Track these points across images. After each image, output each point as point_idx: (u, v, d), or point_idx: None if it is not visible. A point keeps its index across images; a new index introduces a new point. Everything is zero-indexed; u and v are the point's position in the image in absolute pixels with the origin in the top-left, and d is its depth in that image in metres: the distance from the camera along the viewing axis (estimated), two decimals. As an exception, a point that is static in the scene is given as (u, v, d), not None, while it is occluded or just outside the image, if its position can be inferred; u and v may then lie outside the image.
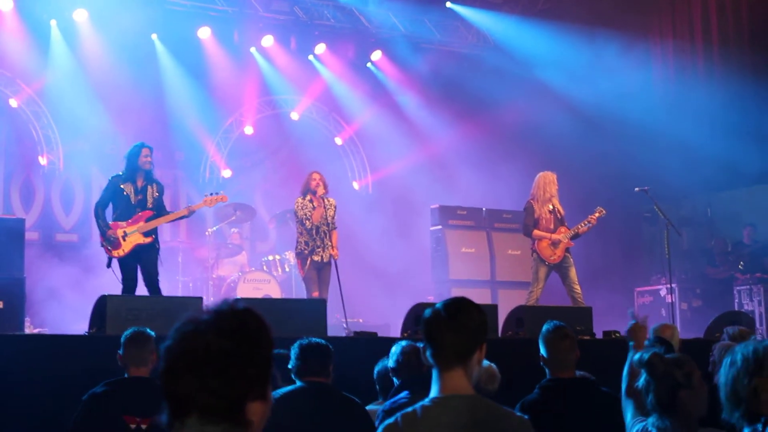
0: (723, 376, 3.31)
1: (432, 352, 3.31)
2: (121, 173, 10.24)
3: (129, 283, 10.06)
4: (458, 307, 3.36)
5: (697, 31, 16.33)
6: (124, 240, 9.98)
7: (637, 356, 4.32)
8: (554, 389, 5.25)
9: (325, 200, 11.72)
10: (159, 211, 10.26)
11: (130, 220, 10.06)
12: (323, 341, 5.54)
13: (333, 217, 11.71)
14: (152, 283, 10.10)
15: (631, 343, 5.22)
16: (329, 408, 5.29)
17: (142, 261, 10.13)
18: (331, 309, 10.11)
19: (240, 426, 2.18)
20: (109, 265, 10.09)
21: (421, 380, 5.73)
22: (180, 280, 13.93)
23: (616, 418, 5.32)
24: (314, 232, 11.59)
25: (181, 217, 10.70)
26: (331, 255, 11.57)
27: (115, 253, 10.01)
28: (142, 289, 10.22)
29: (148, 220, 10.13)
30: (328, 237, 11.62)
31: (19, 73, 14.81)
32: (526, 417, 3.42)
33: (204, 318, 2.18)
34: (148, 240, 10.11)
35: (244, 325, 2.20)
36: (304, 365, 5.40)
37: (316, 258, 11.51)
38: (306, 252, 11.56)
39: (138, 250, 10.07)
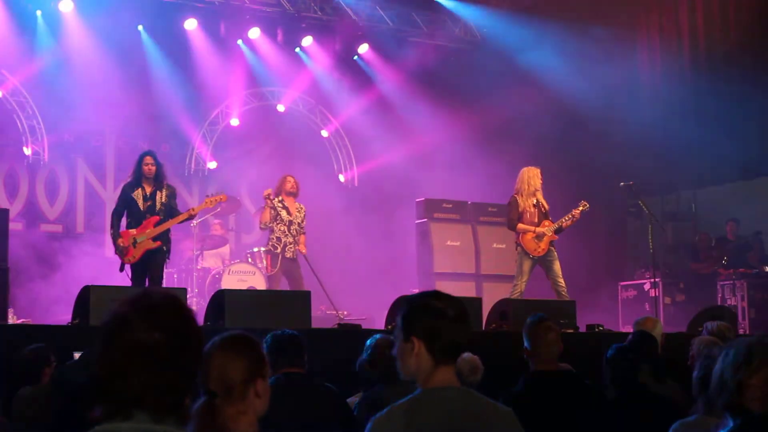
0: (717, 366, 3.35)
1: (436, 347, 3.24)
2: (130, 181, 10.73)
3: (139, 285, 10.37)
4: (456, 302, 3.33)
5: (683, 28, 16.36)
6: (135, 247, 10.41)
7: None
8: (537, 382, 5.27)
9: (297, 203, 12.51)
10: (168, 215, 10.63)
11: (139, 227, 10.48)
12: (294, 332, 5.54)
13: (303, 218, 12.47)
14: (155, 285, 10.45)
15: None
16: (306, 398, 5.28)
17: (150, 266, 10.55)
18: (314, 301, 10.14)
19: (183, 420, 2.17)
20: (122, 269, 10.56)
21: (395, 372, 5.76)
22: (164, 271, 13.89)
23: (598, 410, 5.36)
24: (287, 228, 12.06)
25: (186, 219, 11.02)
26: (296, 253, 12.28)
27: (126, 260, 10.46)
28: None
29: (156, 225, 10.50)
30: (299, 235, 12.34)
31: (4, 62, 14.73)
32: (509, 408, 3.42)
33: (143, 315, 2.15)
34: (157, 244, 10.49)
35: (186, 321, 2.20)
36: (278, 357, 5.40)
37: (288, 255, 12.01)
38: (278, 249, 12.04)
39: (148, 255, 10.48)
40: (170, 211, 10.68)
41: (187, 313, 2.21)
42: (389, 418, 3.19)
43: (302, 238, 12.40)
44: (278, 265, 12.14)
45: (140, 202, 10.52)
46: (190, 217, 11.06)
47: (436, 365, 3.25)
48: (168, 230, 10.66)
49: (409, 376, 3.30)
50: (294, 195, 12.47)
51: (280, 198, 12.40)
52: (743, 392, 3.20)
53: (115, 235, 10.49)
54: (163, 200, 10.63)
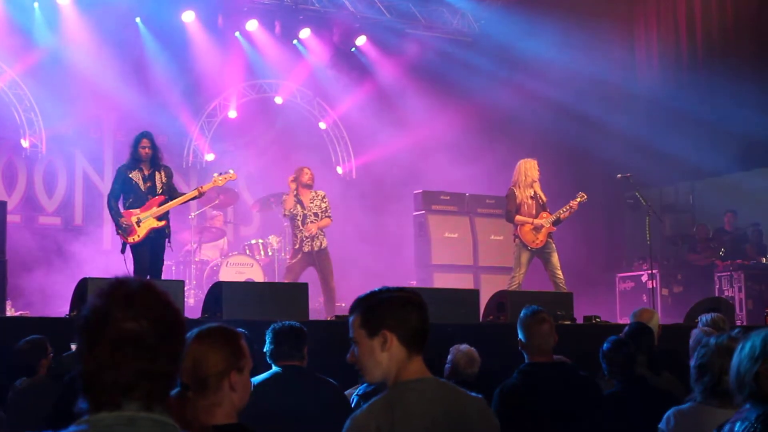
0: (736, 358, 3.37)
1: (407, 336, 3.20)
2: (126, 162, 10.44)
3: (141, 269, 10.11)
4: (415, 292, 3.33)
5: (681, 21, 16.36)
6: (139, 226, 10.14)
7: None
8: (533, 373, 5.28)
9: (312, 192, 12.20)
10: (170, 195, 10.40)
11: (143, 207, 10.22)
12: (297, 324, 5.53)
13: (319, 206, 12.13)
14: (156, 269, 10.27)
15: None
16: (305, 391, 5.29)
17: (153, 248, 10.29)
18: (313, 293, 10.13)
19: (166, 408, 2.17)
20: (123, 251, 10.24)
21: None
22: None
23: (593, 401, 5.37)
24: (300, 223, 11.95)
25: (193, 198, 10.75)
26: (321, 243, 12.01)
27: (130, 239, 10.15)
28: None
29: (160, 204, 10.28)
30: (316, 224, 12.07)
31: (1, 55, 14.71)
32: (480, 395, 3.41)
33: (123, 305, 2.13)
34: (162, 224, 10.25)
35: (167, 306, 2.19)
36: (278, 349, 5.40)
37: (306, 249, 11.86)
38: (297, 244, 11.96)
39: (152, 235, 10.22)
40: (171, 191, 10.45)
41: (166, 299, 2.20)
42: (370, 415, 3.13)
43: (324, 221, 12.11)
44: (298, 257, 12.00)
45: (141, 184, 10.28)
46: (199, 196, 10.76)
47: (409, 356, 3.21)
48: (168, 212, 10.42)
49: (380, 374, 3.22)
50: (310, 187, 12.20)
51: (295, 193, 12.19)
52: (760, 383, 3.23)
53: (117, 215, 10.19)
54: (164, 180, 10.40)
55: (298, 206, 12.08)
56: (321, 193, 12.31)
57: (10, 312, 11.33)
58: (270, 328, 5.47)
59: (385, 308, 3.24)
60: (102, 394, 2.12)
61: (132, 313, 2.12)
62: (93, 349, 2.12)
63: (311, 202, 12.13)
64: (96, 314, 2.14)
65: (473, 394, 3.36)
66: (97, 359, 2.11)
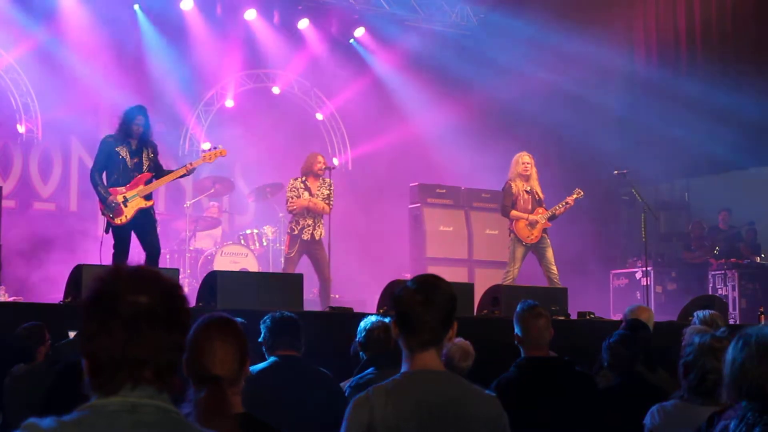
0: (731, 355, 3.36)
1: (407, 332, 3.28)
2: (113, 134, 9.79)
3: (122, 251, 9.66)
4: (432, 286, 3.33)
5: (680, 18, 16.32)
6: (126, 206, 9.57)
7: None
8: (530, 368, 5.28)
9: (320, 180, 12.05)
10: (157, 172, 9.87)
11: (128, 185, 9.63)
12: (293, 315, 5.54)
13: (324, 193, 12.00)
14: (153, 254, 9.72)
15: None
16: (301, 381, 5.29)
17: (143, 228, 9.72)
18: (308, 284, 10.14)
19: (173, 393, 2.18)
20: (107, 231, 9.71)
21: (388, 356, 5.78)
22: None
23: (589, 397, 5.38)
24: (306, 211, 11.84)
25: (182, 176, 10.16)
26: (321, 233, 11.86)
27: (117, 221, 9.57)
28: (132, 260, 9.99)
29: (147, 182, 9.74)
30: (320, 216, 11.92)
31: (-1, 40, 14.70)
32: (494, 395, 3.43)
33: (131, 283, 2.14)
34: (150, 203, 9.72)
35: (172, 285, 2.20)
36: (278, 339, 5.40)
37: (306, 237, 11.73)
38: (296, 231, 11.81)
39: (139, 216, 9.66)
40: (158, 168, 9.88)
41: (169, 278, 2.22)
42: (368, 399, 3.22)
43: (321, 204, 11.85)
44: (296, 247, 11.87)
45: (128, 159, 9.61)
46: (188, 173, 10.13)
47: (415, 350, 3.28)
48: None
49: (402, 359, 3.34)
50: (320, 176, 12.02)
51: (303, 178, 12.02)
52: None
53: (104, 192, 9.53)
54: (150, 156, 9.79)
55: (306, 193, 11.96)
56: (328, 180, 12.12)
57: (3, 297, 11.33)
58: (269, 318, 5.45)
59: (397, 304, 3.34)
60: (114, 374, 2.11)
61: (141, 288, 2.13)
62: (106, 326, 2.11)
63: (318, 189, 12.01)
64: (106, 292, 2.13)
65: (487, 392, 3.38)
66: (113, 336, 2.10)
